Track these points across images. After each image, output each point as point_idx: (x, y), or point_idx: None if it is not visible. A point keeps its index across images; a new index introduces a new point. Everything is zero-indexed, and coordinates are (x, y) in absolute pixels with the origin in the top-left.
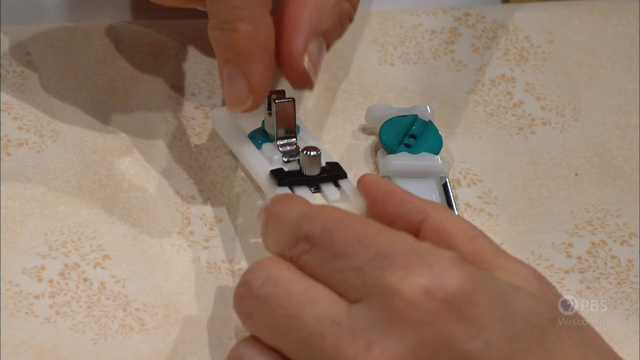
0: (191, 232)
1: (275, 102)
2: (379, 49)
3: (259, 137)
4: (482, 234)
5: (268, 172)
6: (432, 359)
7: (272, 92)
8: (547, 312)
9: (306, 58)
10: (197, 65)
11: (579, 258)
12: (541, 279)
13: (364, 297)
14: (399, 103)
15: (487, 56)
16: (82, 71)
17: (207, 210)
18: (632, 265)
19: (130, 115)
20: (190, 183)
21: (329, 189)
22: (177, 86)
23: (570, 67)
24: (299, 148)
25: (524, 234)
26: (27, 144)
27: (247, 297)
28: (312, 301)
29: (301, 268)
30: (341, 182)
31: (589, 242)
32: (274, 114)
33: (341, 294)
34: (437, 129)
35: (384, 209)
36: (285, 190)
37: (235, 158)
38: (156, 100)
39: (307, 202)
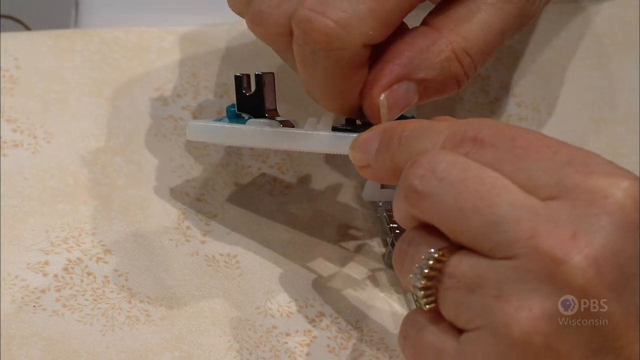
0: (188, 227)
1: (261, 74)
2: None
3: (233, 119)
4: None
5: (325, 133)
6: (625, 267)
7: (245, 74)
8: None
9: (385, 94)
10: (181, 68)
11: None
12: None
13: (561, 195)
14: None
15: None
16: (69, 75)
17: (202, 206)
18: None
19: (120, 116)
20: (183, 181)
21: None
22: (163, 88)
23: (543, 65)
24: (289, 120)
25: None
26: (22, 145)
27: (429, 177)
28: (505, 188)
29: None
30: None
31: None
32: (261, 88)
33: (526, 191)
34: None
35: None
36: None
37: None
38: (143, 102)
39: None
